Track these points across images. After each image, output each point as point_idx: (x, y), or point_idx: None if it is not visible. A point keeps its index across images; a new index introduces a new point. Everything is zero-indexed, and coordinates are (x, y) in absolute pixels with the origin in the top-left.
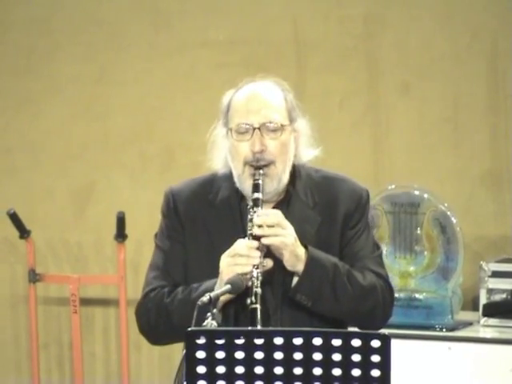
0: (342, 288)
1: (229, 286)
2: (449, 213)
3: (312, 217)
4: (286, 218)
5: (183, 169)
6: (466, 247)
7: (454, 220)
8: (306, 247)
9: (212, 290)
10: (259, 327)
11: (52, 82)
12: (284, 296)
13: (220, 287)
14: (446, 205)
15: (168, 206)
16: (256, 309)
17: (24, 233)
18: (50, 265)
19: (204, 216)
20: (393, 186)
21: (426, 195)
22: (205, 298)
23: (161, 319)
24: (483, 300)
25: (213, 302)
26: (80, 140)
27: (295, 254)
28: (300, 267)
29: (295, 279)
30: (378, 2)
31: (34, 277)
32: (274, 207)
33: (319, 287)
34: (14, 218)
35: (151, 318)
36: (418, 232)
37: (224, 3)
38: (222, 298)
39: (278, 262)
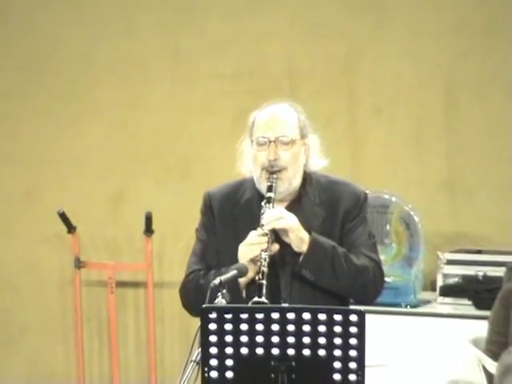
0: (340, 266)
1: (235, 271)
2: (412, 213)
3: (318, 212)
4: (297, 212)
5: (198, 176)
6: (426, 240)
7: (416, 218)
8: (309, 233)
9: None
10: (264, 298)
11: (92, 106)
12: (293, 273)
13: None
14: (409, 206)
15: (205, 205)
16: (262, 284)
17: (71, 228)
18: (91, 254)
19: (232, 213)
20: (367, 191)
21: (393, 198)
22: (216, 281)
23: (198, 297)
24: (440, 283)
25: (222, 284)
26: (115, 153)
27: (300, 237)
28: (305, 248)
29: (301, 258)
30: (355, 43)
31: (78, 264)
32: (288, 205)
33: (321, 264)
34: (63, 216)
35: (191, 297)
36: (388, 228)
37: (232, 43)
38: (244, 279)
39: (289, 247)
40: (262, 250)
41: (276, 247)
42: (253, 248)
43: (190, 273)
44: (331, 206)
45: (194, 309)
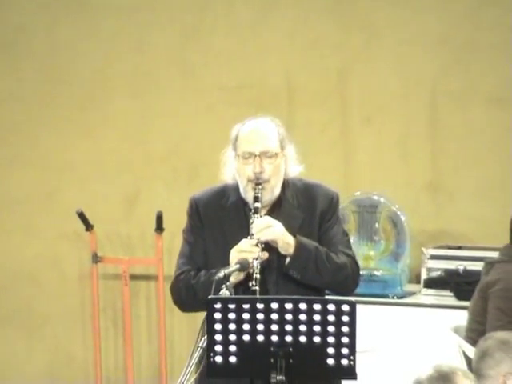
0: (323, 264)
1: (238, 265)
2: (399, 212)
3: (297, 214)
4: (278, 216)
5: (205, 180)
6: (412, 237)
7: (402, 218)
8: (294, 236)
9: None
10: None
11: (108, 115)
12: (280, 273)
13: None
14: (397, 206)
15: (191, 209)
16: (256, 290)
17: (88, 226)
18: (107, 250)
19: (218, 216)
20: (358, 193)
21: (382, 199)
22: (220, 274)
23: (189, 296)
24: (424, 276)
25: (226, 277)
26: (129, 158)
27: (286, 242)
28: (291, 251)
29: (288, 259)
30: (347, 58)
31: (95, 259)
32: (269, 209)
33: (306, 264)
34: (81, 215)
35: (182, 295)
36: (377, 226)
37: (235, 58)
38: (233, 280)
39: (275, 250)
40: (254, 259)
41: (266, 255)
42: (244, 255)
43: (180, 273)
44: (308, 208)
45: (184, 306)
